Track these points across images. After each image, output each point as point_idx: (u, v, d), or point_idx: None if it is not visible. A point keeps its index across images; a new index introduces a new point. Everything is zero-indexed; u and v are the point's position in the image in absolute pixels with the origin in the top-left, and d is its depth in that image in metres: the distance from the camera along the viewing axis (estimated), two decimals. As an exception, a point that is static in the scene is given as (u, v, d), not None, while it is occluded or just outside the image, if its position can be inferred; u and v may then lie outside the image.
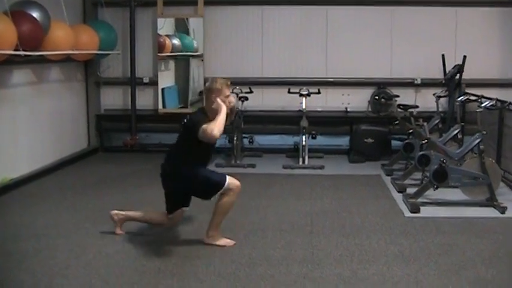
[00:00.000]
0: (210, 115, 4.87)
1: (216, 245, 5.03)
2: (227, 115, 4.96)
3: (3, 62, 6.59)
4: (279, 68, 9.64)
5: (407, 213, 6.12)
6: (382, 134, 9.11)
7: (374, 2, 9.44)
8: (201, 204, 5.14)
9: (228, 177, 4.98)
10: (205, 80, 9.45)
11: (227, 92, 4.95)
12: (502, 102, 7.21)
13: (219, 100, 4.85)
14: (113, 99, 10.02)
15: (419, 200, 6.38)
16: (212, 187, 4.94)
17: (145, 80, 9.80)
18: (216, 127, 4.67)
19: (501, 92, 8.74)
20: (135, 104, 9.67)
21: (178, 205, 5.14)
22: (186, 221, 5.61)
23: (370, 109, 9.55)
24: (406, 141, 7.99)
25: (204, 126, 4.70)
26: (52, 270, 4.52)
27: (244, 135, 9.11)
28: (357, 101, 9.60)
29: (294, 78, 9.50)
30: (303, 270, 4.54)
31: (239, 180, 5.05)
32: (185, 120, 5.03)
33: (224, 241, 5.09)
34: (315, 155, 9.03)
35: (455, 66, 8.76)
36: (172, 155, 5.11)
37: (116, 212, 5.37)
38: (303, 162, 8.56)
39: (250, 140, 9.26)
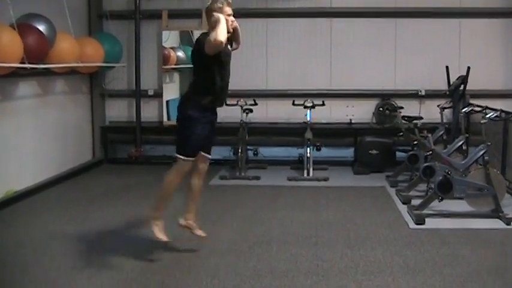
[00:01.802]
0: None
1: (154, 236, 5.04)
2: (232, 35, 5.00)
3: (9, 75, 6.63)
4: (284, 80, 9.66)
5: (412, 225, 6.10)
6: (386, 145, 9.10)
7: (378, 14, 9.47)
8: (206, 216, 5.13)
9: (185, 157, 4.93)
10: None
11: (228, 10, 4.92)
12: (507, 113, 7.19)
13: (216, 14, 4.80)
14: (117, 111, 10.06)
15: (424, 211, 6.36)
16: (181, 145, 4.97)
17: (150, 92, 9.83)
18: (218, 33, 4.62)
19: (505, 102, 8.72)
20: (140, 116, 9.70)
21: (201, 144, 5.04)
22: (190, 233, 5.60)
23: (374, 121, 9.54)
24: (411, 152, 7.98)
25: (207, 38, 4.69)
26: (56, 282, 4.53)
27: (248, 147, 9.11)
28: (361, 112, 9.61)
29: (298, 90, 9.52)
30: (308, 282, 4.52)
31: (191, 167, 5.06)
32: (192, 50, 5.06)
33: (198, 231, 5.17)
34: (320, 167, 9.03)
35: (459, 77, 8.75)
36: (191, 84, 5.13)
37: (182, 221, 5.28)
38: (308, 174, 8.55)
39: (255, 152, 9.27)
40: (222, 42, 4.65)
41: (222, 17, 4.78)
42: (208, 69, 4.90)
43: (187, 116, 4.93)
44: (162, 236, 5.05)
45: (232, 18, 4.97)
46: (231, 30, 4.97)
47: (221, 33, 4.65)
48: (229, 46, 5.12)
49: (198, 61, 4.99)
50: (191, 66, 9.58)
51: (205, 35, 4.85)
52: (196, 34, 9.48)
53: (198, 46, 4.89)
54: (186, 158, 4.95)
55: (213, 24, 4.76)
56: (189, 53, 9.55)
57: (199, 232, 5.22)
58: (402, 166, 8.28)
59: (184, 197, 5.34)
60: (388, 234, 5.77)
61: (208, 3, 4.99)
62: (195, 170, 5.16)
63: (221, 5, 4.89)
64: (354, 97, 9.61)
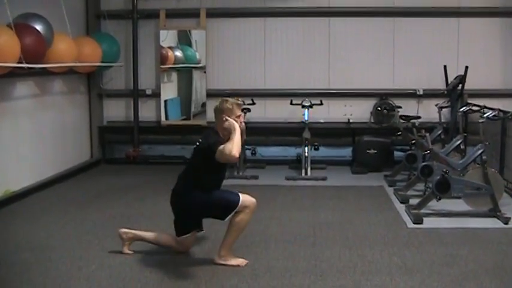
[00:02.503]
0: (222, 135, 4.74)
1: (229, 265, 4.85)
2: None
3: (7, 75, 6.62)
4: (282, 80, 9.66)
5: (410, 224, 6.11)
6: (384, 145, 9.11)
7: (376, 13, 9.47)
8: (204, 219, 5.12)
9: (241, 195, 4.80)
10: (208, 92, 9.52)
11: (238, 111, 4.81)
12: (505, 112, 7.20)
13: (230, 119, 4.69)
14: (115, 111, 10.05)
15: (422, 211, 6.37)
16: (226, 207, 4.76)
17: (148, 92, 9.83)
18: (235, 147, 4.49)
19: (503, 102, 8.75)
20: (138, 116, 9.71)
21: (190, 228, 5.01)
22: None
23: (372, 120, 9.55)
24: (409, 152, 7.99)
25: (221, 147, 4.51)
26: (54, 282, 4.52)
27: (246, 146, 9.11)
28: (359, 112, 9.61)
29: (296, 89, 9.52)
30: (306, 282, 4.52)
31: (254, 197, 4.89)
32: (197, 144, 4.84)
33: (236, 261, 4.90)
34: (318, 166, 9.03)
35: (457, 76, 8.77)
36: (184, 179, 4.93)
37: (124, 230, 5.20)
38: (306, 173, 8.56)
39: (253, 152, 9.27)
40: (235, 158, 4.55)
41: (237, 126, 4.65)
42: (207, 172, 4.78)
43: (197, 193, 4.84)
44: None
45: (241, 119, 4.86)
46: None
47: (237, 148, 4.51)
48: None
49: (200, 159, 4.79)
50: (189, 66, 9.75)
51: (214, 135, 4.75)
52: (194, 33, 9.63)
53: (207, 146, 4.68)
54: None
55: (226, 131, 4.67)
56: (187, 53, 9.68)
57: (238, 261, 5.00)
58: (400, 165, 8.29)
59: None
60: (386, 234, 5.77)
61: (218, 103, 4.86)
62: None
63: (231, 107, 4.76)
64: (352, 96, 9.62)
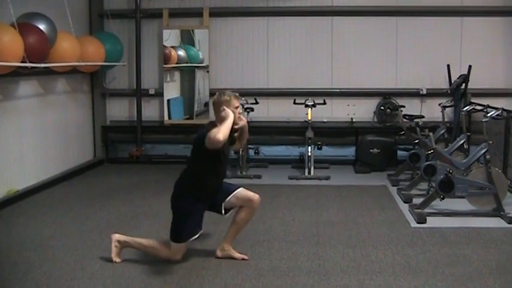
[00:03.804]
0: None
1: (231, 258, 4.94)
2: (240, 133, 4.98)
3: (10, 74, 6.63)
4: (285, 79, 9.66)
5: (414, 224, 6.10)
6: (387, 144, 9.10)
7: (379, 13, 9.46)
8: (207, 215, 5.11)
9: (178, 243, 4.81)
10: (211, 91, 9.51)
11: (236, 103, 4.86)
12: (508, 111, 7.19)
13: (227, 109, 4.75)
14: (118, 110, 10.06)
15: (426, 210, 6.36)
16: (171, 231, 4.83)
17: (151, 92, 9.83)
18: (220, 131, 4.53)
19: (507, 101, 8.74)
20: (141, 115, 9.71)
21: (192, 230, 4.85)
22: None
23: (375, 119, 9.54)
24: (412, 151, 7.99)
25: (209, 133, 4.60)
26: (57, 281, 4.52)
27: (250, 146, 9.11)
28: (363, 111, 9.60)
29: (299, 89, 9.52)
30: (309, 281, 4.52)
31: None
32: (194, 136, 4.93)
33: (239, 255, 5.00)
34: (321, 166, 9.03)
35: (460, 76, 8.75)
36: (185, 174, 4.94)
37: (117, 236, 5.06)
38: (309, 172, 8.55)
39: (256, 151, 9.27)
40: (220, 142, 4.51)
41: (231, 114, 4.70)
42: (205, 163, 4.80)
43: (184, 207, 4.82)
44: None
45: (239, 110, 4.91)
46: (238, 123, 4.89)
47: (223, 132, 4.53)
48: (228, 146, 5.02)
49: (196, 151, 4.85)
50: (192, 65, 9.75)
51: (212, 125, 4.76)
52: (197, 33, 9.62)
53: (199, 135, 4.74)
54: (179, 244, 4.85)
55: (221, 119, 4.71)
56: (190, 52, 9.68)
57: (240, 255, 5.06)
58: (403, 165, 8.29)
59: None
60: (389, 234, 5.76)
61: (216, 96, 4.91)
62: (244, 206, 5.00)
63: (228, 98, 4.80)
64: (355, 96, 9.61)
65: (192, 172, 4.89)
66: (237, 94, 4.94)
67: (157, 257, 4.95)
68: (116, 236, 5.05)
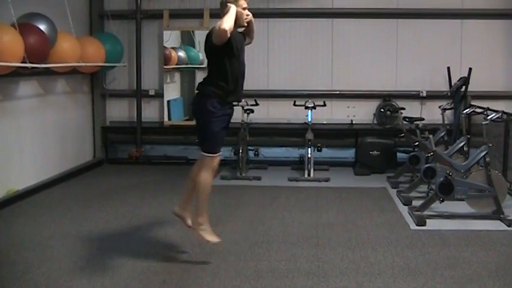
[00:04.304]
0: None
1: (203, 239, 4.93)
2: (246, 27, 5.02)
3: (10, 74, 6.63)
4: (285, 81, 9.66)
5: (413, 226, 6.10)
6: (387, 146, 9.09)
7: (379, 15, 9.46)
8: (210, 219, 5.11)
9: (213, 154, 4.86)
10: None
11: (243, 3, 4.89)
12: (508, 114, 7.19)
13: (231, 5, 4.76)
14: (118, 111, 10.06)
15: (425, 212, 6.35)
16: (206, 143, 4.88)
17: (151, 93, 9.83)
18: (223, 22, 4.57)
19: (507, 104, 8.75)
20: (141, 116, 9.71)
21: (222, 138, 4.97)
22: (193, 233, 5.59)
23: (375, 121, 9.54)
24: (412, 153, 7.98)
25: (213, 28, 4.67)
26: (56, 281, 4.52)
27: (249, 147, 9.10)
28: (363, 113, 9.60)
29: (299, 90, 9.52)
30: (308, 283, 4.52)
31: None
32: (204, 43, 4.98)
33: (212, 237, 4.96)
34: (321, 168, 9.03)
35: (460, 78, 8.75)
36: (205, 79, 5.01)
37: (177, 208, 5.16)
38: (309, 174, 8.55)
39: (256, 153, 9.25)
40: (225, 31, 4.56)
41: (233, 7, 4.74)
42: (220, 61, 4.84)
43: (207, 111, 4.82)
44: (213, 238, 4.96)
45: (247, 12, 4.95)
46: (245, 24, 4.96)
47: (226, 22, 4.59)
48: (243, 39, 5.12)
49: (209, 54, 4.94)
50: (192, 66, 9.74)
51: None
52: (198, 34, 9.62)
53: (208, 37, 4.84)
54: (214, 155, 4.89)
55: (224, 15, 4.73)
56: (190, 53, 9.68)
57: (189, 222, 5.11)
58: (403, 167, 8.28)
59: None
60: (389, 236, 5.76)
61: None
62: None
63: None
64: (355, 98, 9.61)
65: (211, 73, 4.96)
66: None
67: (210, 189, 4.97)
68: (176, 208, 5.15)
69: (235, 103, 5.09)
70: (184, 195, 5.18)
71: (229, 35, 4.62)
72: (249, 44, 5.25)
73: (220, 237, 5.07)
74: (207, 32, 4.93)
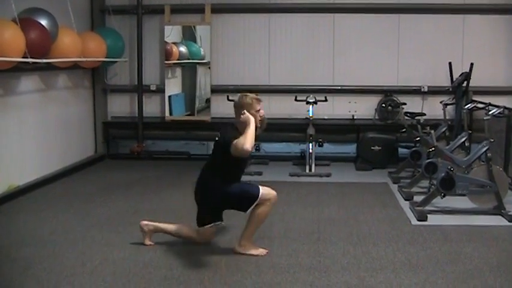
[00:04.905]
0: (240, 130, 4.81)
1: (249, 255, 4.98)
2: (258, 126, 4.97)
3: (12, 69, 6.61)
4: (286, 76, 9.65)
5: (415, 221, 6.10)
6: (389, 141, 9.09)
7: (381, 10, 9.44)
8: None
9: (261, 188, 4.94)
10: (212, 88, 9.52)
11: (257, 106, 4.91)
12: (510, 109, 7.19)
13: (247, 113, 4.80)
14: (120, 106, 10.06)
15: (427, 208, 6.35)
16: (247, 200, 4.90)
17: (153, 88, 9.82)
18: (247, 140, 4.61)
19: (509, 99, 8.76)
20: (142, 112, 9.70)
21: (211, 219, 5.07)
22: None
23: (377, 117, 9.53)
24: (413, 149, 7.98)
25: (235, 141, 4.66)
26: (58, 277, 4.52)
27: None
28: (364, 108, 9.59)
29: (300, 85, 9.51)
30: (309, 278, 4.52)
31: (275, 190, 5.06)
32: (217, 138, 5.00)
33: (257, 250, 5.04)
34: (322, 163, 9.01)
35: (462, 73, 8.74)
36: (206, 172, 5.06)
37: (145, 222, 5.26)
38: (310, 170, 8.55)
39: (257, 148, 9.25)
40: (248, 152, 4.62)
41: (252, 119, 4.76)
42: (230, 164, 4.89)
43: (217, 185, 4.95)
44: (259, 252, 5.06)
45: (262, 112, 4.97)
46: (259, 124, 4.97)
47: (249, 142, 4.62)
48: None
49: (219, 154, 4.94)
50: (193, 61, 9.74)
51: (232, 130, 4.86)
52: (199, 29, 9.60)
53: (223, 141, 4.84)
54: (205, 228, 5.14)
55: (243, 125, 4.75)
56: (192, 49, 9.67)
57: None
58: (405, 162, 8.28)
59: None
60: (390, 231, 5.76)
61: (237, 98, 5.00)
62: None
63: (250, 101, 4.88)
64: (357, 93, 9.60)
65: (215, 169, 4.99)
66: (259, 97, 4.99)
67: (184, 238, 5.24)
68: (145, 222, 5.26)
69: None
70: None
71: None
72: (257, 138, 5.25)
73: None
74: (223, 130, 4.99)
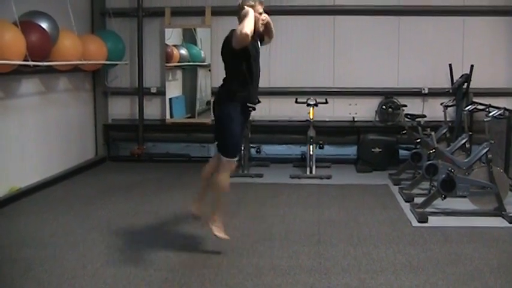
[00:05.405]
0: None
1: (213, 233, 5.05)
2: (264, 30, 5.05)
3: (12, 72, 6.62)
4: (286, 78, 9.65)
5: (415, 223, 6.10)
6: (389, 143, 9.09)
7: (381, 12, 9.44)
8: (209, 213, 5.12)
9: (235, 158, 5.03)
10: (213, 90, 9.52)
11: (259, 8, 4.96)
12: (510, 111, 7.19)
13: (248, 8, 4.83)
14: (120, 109, 10.06)
15: (427, 209, 6.36)
16: (227, 149, 5.00)
17: (153, 90, 9.83)
18: (244, 25, 4.66)
19: (509, 101, 8.76)
20: (143, 114, 9.71)
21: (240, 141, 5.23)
22: (195, 230, 5.61)
23: (377, 119, 9.53)
24: (414, 150, 7.98)
25: (234, 32, 4.74)
26: (59, 279, 4.53)
27: (251, 145, 9.11)
28: (364, 110, 9.59)
29: (301, 88, 9.51)
30: (310, 280, 4.52)
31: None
32: (221, 46, 5.05)
33: (220, 233, 5.08)
34: (322, 165, 9.01)
35: (462, 75, 8.74)
36: (224, 83, 5.12)
37: (194, 210, 5.38)
38: (310, 171, 8.55)
39: (258, 150, 9.26)
40: (247, 35, 4.64)
41: (251, 10, 4.81)
42: (239, 65, 4.92)
43: (229, 116, 4.96)
44: (222, 235, 5.08)
45: (264, 15, 5.00)
46: (261, 29, 5.00)
47: (247, 26, 4.66)
48: (258, 42, 5.16)
49: (227, 57, 5.00)
50: (194, 64, 9.72)
51: (233, 32, 4.87)
52: (199, 31, 9.62)
53: (226, 42, 4.91)
54: (235, 159, 5.08)
55: (242, 19, 4.79)
56: (192, 51, 9.68)
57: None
58: (405, 164, 8.28)
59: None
60: (391, 233, 5.76)
61: (240, 1, 5.01)
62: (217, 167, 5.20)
63: (253, 3, 4.93)
64: (357, 95, 9.60)
65: (229, 76, 5.06)
66: (262, 0, 5.02)
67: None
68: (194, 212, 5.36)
69: (251, 108, 5.17)
70: (199, 194, 5.39)
71: (250, 38, 4.69)
72: (268, 43, 5.35)
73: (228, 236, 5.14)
74: (226, 37, 4.98)
